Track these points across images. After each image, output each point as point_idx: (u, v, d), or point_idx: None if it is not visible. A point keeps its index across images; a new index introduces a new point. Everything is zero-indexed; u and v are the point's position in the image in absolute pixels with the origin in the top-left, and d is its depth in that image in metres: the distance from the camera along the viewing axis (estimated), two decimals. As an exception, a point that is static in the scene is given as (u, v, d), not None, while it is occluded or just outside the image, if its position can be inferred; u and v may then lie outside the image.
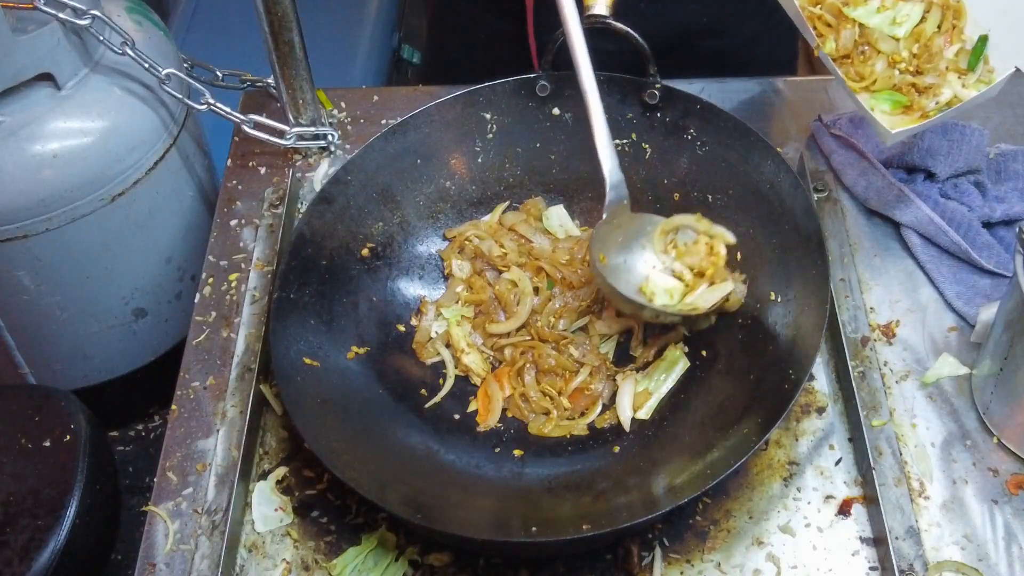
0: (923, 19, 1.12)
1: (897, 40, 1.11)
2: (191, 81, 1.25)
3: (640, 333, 1.12)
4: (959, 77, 1.09)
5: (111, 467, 1.17)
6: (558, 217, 1.21)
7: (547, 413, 1.08)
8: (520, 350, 1.11)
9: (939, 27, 1.11)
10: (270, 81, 1.34)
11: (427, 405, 1.08)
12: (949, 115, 1.08)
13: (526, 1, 1.36)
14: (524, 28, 1.38)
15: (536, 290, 1.15)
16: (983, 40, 1.09)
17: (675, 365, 1.08)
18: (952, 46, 1.11)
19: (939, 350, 1.11)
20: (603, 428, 1.07)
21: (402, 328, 1.14)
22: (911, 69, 1.10)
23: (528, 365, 1.11)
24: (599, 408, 1.08)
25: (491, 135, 1.21)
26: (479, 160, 1.21)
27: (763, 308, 1.07)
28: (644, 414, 1.06)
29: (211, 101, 1.25)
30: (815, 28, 1.13)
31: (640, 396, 1.07)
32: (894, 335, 1.12)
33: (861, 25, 1.11)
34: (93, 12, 1.14)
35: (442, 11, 1.55)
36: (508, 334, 1.13)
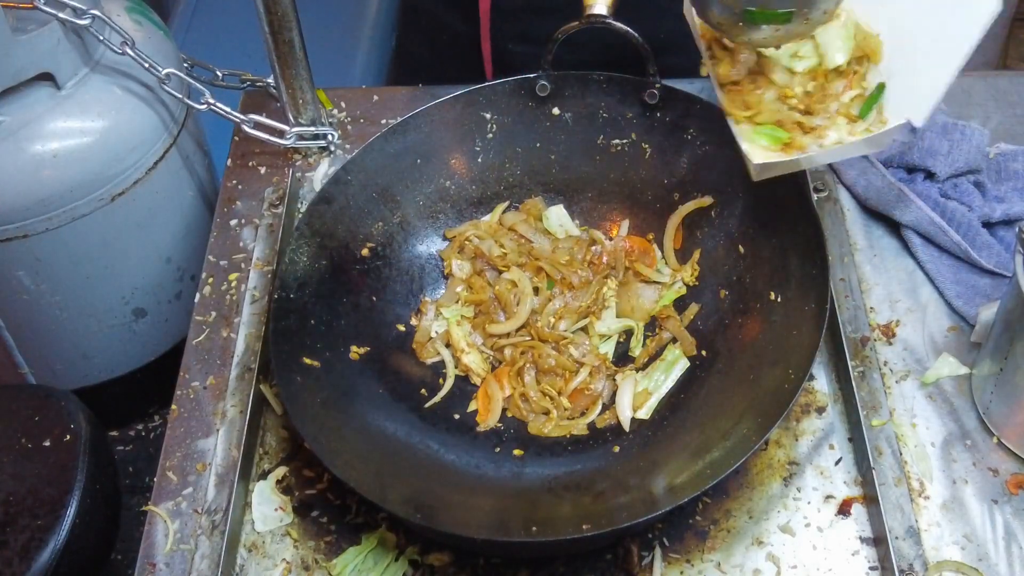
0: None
1: (793, 74, 1.02)
2: (191, 81, 1.25)
3: (640, 333, 1.12)
4: (848, 123, 1.00)
5: (111, 467, 1.17)
6: (558, 217, 1.21)
7: (547, 413, 1.08)
8: (520, 350, 1.11)
9: (841, 69, 1.03)
10: (270, 81, 1.34)
11: (427, 405, 1.08)
12: (821, 157, 1.00)
13: (480, 7, 1.36)
14: (479, 32, 1.38)
15: (536, 290, 1.15)
16: (880, 88, 1.00)
17: (675, 365, 1.08)
18: (850, 91, 1.02)
19: (939, 350, 1.11)
20: (603, 428, 1.07)
21: (402, 328, 1.14)
22: (800, 107, 1.02)
23: (528, 365, 1.11)
24: (599, 408, 1.08)
25: (491, 135, 1.21)
26: (479, 160, 1.21)
27: (763, 308, 1.07)
28: (644, 414, 1.06)
29: (211, 101, 1.25)
30: (710, 48, 1.06)
31: (640, 396, 1.07)
32: (894, 335, 1.12)
33: (759, 53, 1.02)
34: (93, 12, 1.14)
35: (409, 12, 1.55)
36: (508, 334, 1.13)
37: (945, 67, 0.95)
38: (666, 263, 1.17)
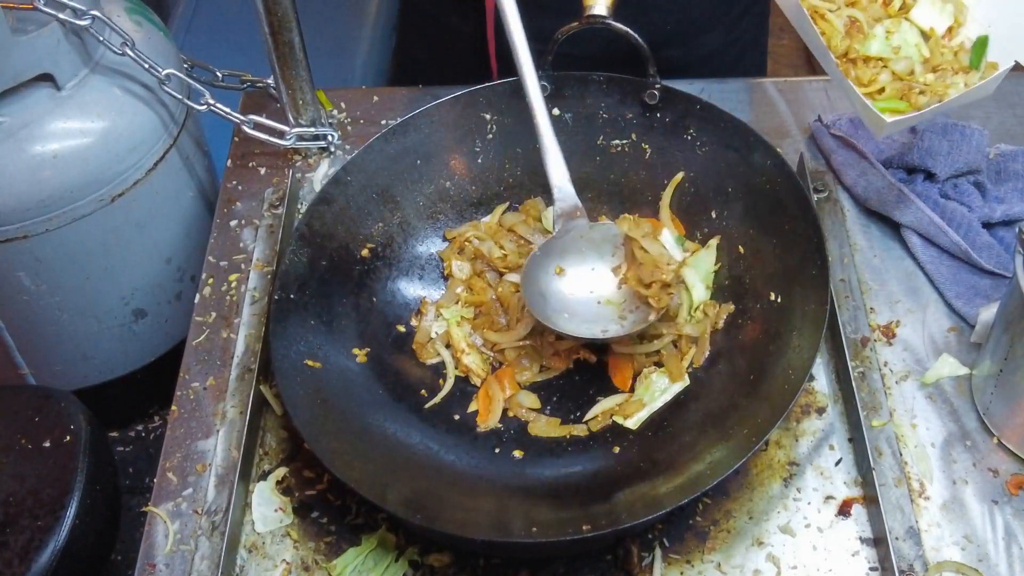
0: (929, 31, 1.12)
1: (909, 59, 1.10)
2: (191, 81, 1.25)
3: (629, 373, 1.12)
4: (964, 75, 1.09)
5: (111, 467, 1.17)
6: (558, 217, 1.21)
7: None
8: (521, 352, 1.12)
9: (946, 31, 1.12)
10: (270, 81, 1.34)
11: (427, 406, 1.08)
12: (943, 107, 1.07)
13: (486, 3, 1.36)
14: (486, 30, 1.38)
15: None
16: (983, 41, 1.09)
17: (676, 381, 1.08)
18: (953, 39, 1.11)
19: (939, 350, 1.11)
20: (603, 429, 1.06)
21: (402, 329, 1.14)
22: (921, 80, 1.10)
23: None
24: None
25: (491, 135, 1.21)
26: (479, 160, 1.21)
27: (763, 308, 1.07)
28: (632, 424, 1.05)
29: (211, 101, 1.25)
30: (815, 21, 1.11)
31: (633, 405, 1.06)
32: (894, 335, 1.12)
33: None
34: (93, 12, 1.14)
35: (408, 11, 1.55)
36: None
37: None
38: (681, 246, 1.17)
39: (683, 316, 1.11)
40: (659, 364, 1.09)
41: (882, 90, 1.09)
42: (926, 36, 1.11)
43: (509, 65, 1.40)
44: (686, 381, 1.07)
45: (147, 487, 1.21)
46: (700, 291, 1.12)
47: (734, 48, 1.43)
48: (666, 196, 1.18)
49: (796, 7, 1.10)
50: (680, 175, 1.17)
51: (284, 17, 1.20)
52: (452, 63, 1.47)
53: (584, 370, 1.12)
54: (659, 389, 1.07)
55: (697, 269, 1.13)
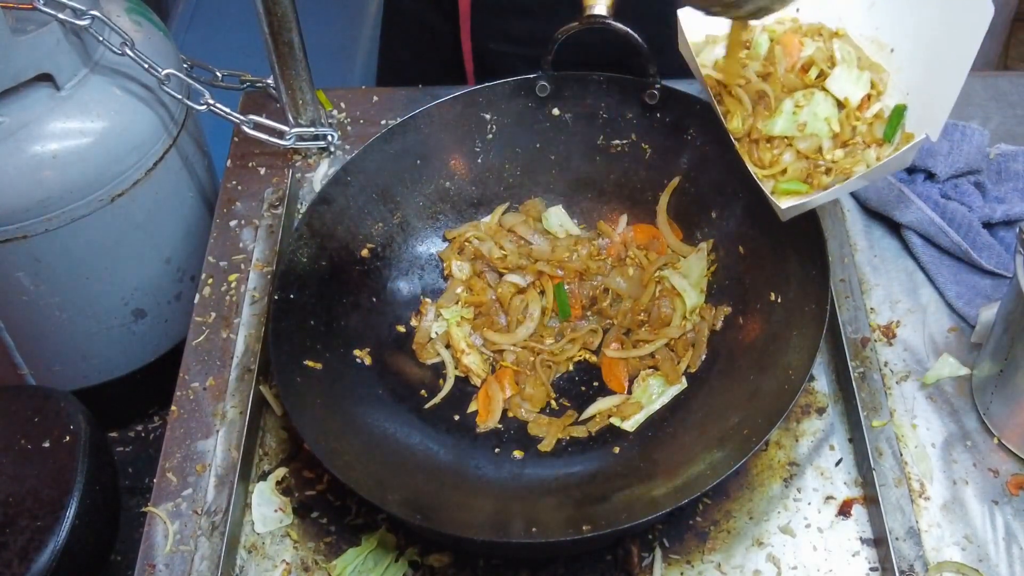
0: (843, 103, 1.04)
1: (815, 136, 1.02)
2: (191, 81, 1.25)
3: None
4: (876, 147, 1.01)
5: (111, 468, 1.17)
6: (558, 218, 1.21)
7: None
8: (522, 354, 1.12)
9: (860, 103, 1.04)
10: (270, 82, 1.34)
11: (427, 406, 1.08)
12: (847, 187, 1.00)
13: (460, 6, 1.35)
14: (460, 32, 1.38)
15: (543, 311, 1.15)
16: (901, 109, 1.01)
17: (674, 384, 1.08)
18: (871, 106, 1.03)
19: (939, 351, 1.10)
20: (603, 429, 1.06)
21: (402, 329, 1.14)
22: (828, 157, 1.01)
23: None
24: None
25: (491, 136, 1.21)
26: (479, 161, 1.21)
27: (763, 308, 1.07)
28: (630, 426, 1.05)
29: (211, 101, 1.25)
30: (719, 97, 1.05)
31: (630, 407, 1.06)
32: (894, 336, 1.12)
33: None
34: (93, 12, 1.14)
35: (392, 12, 1.55)
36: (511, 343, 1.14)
37: (952, 78, 0.97)
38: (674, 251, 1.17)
39: (676, 322, 1.11)
40: (655, 367, 1.09)
41: (784, 171, 1.02)
42: (842, 106, 1.03)
43: (484, 67, 1.40)
44: (683, 384, 1.07)
45: (147, 487, 1.21)
46: (692, 296, 1.11)
47: None
48: (662, 202, 1.18)
49: (701, 83, 1.06)
50: (676, 180, 1.17)
51: (284, 17, 1.20)
52: (434, 62, 1.47)
53: (584, 371, 1.12)
54: (656, 392, 1.07)
55: (687, 274, 1.13)
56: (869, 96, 1.04)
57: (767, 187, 1.01)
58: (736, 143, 1.04)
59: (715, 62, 1.08)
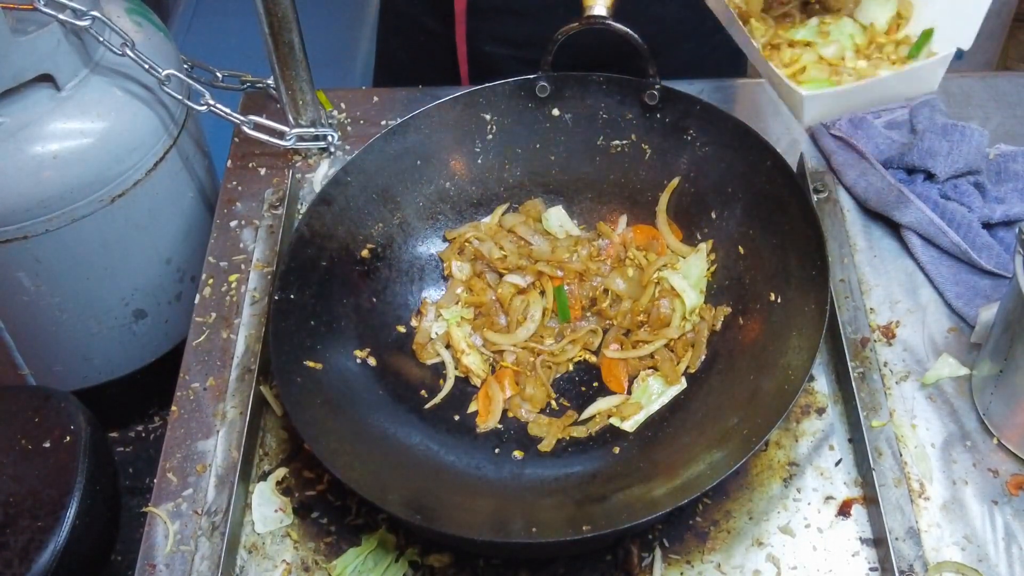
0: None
1: (838, 43, 1.03)
2: (191, 82, 1.25)
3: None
4: (901, 64, 1.01)
5: (111, 468, 1.17)
6: (558, 218, 1.21)
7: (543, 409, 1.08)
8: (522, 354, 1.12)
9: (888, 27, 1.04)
10: (270, 82, 1.34)
11: (427, 406, 1.08)
12: (871, 84, 0.96)
13: (456, 7, 1.35)
14: (455, 33, 1.38)
15: (544, 311, 1.15)
16: (927, 33, 1.01)
17: (673, 384, 1.08)
18: (898, 31, 1.03)
19: (939, 351, 1.11)
20: (602, 429, 1.07)
21: (402, 329, 1.14)
22: (851, 65, 1.01)
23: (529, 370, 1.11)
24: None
25: (491, 136, 1.21)
26: (479, 161, 1.21)
27: (763, 308, 1.07)
28: (630, 427, 1.05)
29: (211, 102, 1.25)
30: (743, 17, 1.04)
31: (630, 407, 1.06)
32: (894, 336, 1.12)
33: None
34: (93, 13, 1.14)
35: (388, 13, 1.55)
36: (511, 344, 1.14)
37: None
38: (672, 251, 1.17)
39: (676, 322, 1.11)
40: (655, 368, 1.09)
41: (803, 70, 1.00)
42: (862, 28, 1.04)
43: (479, 69, 1.40)
44: (682, 384, 1.07)
45: (147, 487, 1.22)
46: (692, 297, 1.11)
47: (710, 60, 1.43)
48: (662, 203, 1.18)
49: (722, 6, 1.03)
50: (676, 181, 1.18)
51: (284, 17, 1.20)
52: (429, 64, 1.47)
53: (584, 371, 1.12)
54: (656, 392, 1.07)
55: (687, 275, 1.13)
56: (897, 25, 1.04)
57: (785, 75, 0.97)
58: (759, 50, 1.00)
59: None
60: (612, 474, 1.01)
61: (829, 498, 1.01)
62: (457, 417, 1.08)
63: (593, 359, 1.12)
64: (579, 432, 1.06)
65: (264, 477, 1.05)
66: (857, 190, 1.23)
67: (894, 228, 1.21)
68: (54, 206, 1.17)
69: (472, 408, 1.10)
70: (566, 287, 1.15)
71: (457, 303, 1.16)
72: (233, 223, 1.26)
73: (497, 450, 1.05)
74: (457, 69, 1.42)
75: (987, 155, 1.23)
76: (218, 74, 1.36)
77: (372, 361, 1.09)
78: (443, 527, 0.91)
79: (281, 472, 1.05)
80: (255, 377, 1.08)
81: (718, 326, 1.10)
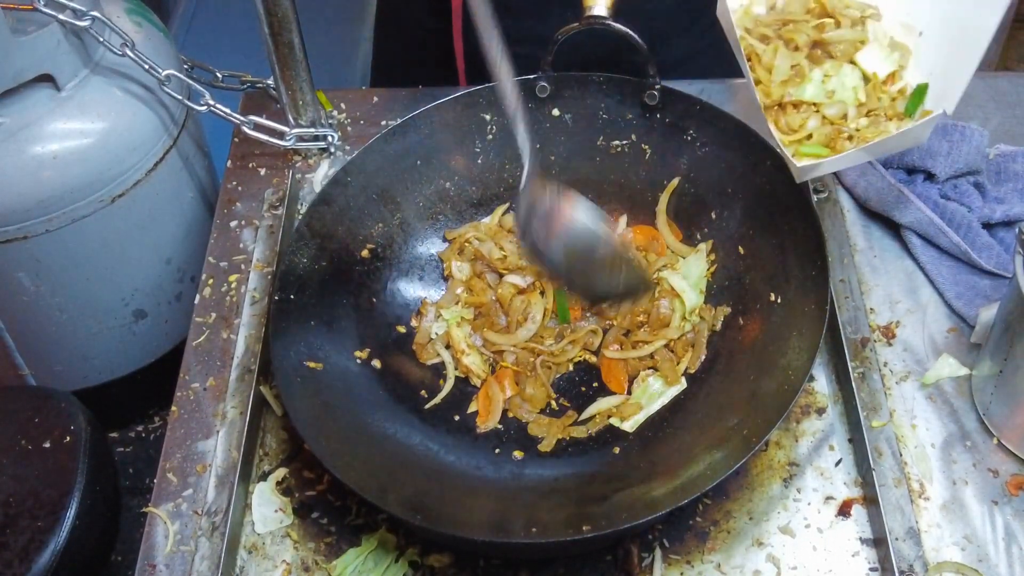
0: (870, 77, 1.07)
1: (842, 103, 1.06)
2: (191, 82, 1.25)
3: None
4: (897, 122, 1.04)
5: (111, 468, 1.17)
6: (558, 218, 1.21)
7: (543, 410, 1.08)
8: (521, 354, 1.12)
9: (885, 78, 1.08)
10: (270, 82, 1.34)
11: (427, 406, 1.08)
12: (863, 151, 1.01)
13: (452, 5, 1.35)
14: (452, 30, 1.38)
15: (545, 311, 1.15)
16: (922, 89, 1.05)
17: (673, 385, 1.08)
18: (895, 83, 1.07)
19: (939, 351, 1.11)
20: (603, 429, 1.07)
21: (402, 329, 1.14)
22: (852, 125, 1.05)
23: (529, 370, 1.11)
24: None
25: (491, 136, 1.21)
26: (479, 161, 1.21)
27: (763, 308, 1.07)
28: (630, 427, 1.05)
29: (211, 102, 1.25)
30: (751, 63, 1.08)
31: (630, 408, 1.06)
32: (894, 336, 1.12)
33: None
34: (93, 13, 1.14)
35: (385, 12, 1.55)
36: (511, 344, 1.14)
37: (969, 57, 1.00)
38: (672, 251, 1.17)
39: (675, 322, 1.11)
40: (655, 368, 1.09)
41: (809, 136, 1.04)
42: (867, 79, 1.07)
43: (476, 67, 1.40)
44: (682, 384, 1.07)
45: (147, 487, 1.21)
46: (691, 297, 1.11)
47: (705, 55, 1.43)
48: (662, 203, 1.18)
49: (736, 45, 1.07)
50: (676, 181, 1.18)
51: (284, 18, 1.20)
52: (427, 62, 1.47)
53: (584, 371, 1.12)
54: (656, 392, 1.07)
55: (686, 275, 1.13)
56: (894, 74, 1.07)
57: (789, 152, 1.03)
58: (764, 111, 1.05)
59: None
60: (612, 474, 1.01)
61: (829, 498, 1.01)
62: (457, 417, 1.08)
63: (593, 359, 1.12)
64: (579, 432, 1.06)
65: (264, 477, 1.05)
66: (857, 190, 1.23)
67: (894, 228, 1.21)
68: (54, 206, 1.17)
69: (472, 408, 1.10)
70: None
71: (457, 303, 1.16)
72: (233, 223, 1.26)
73: (497, 450, 1.05)
74: (454, 67, 1.41)
75: (987, 155, 1.23)
76: (218, 74, 1.36)
77: (372, 361, 1.09)
78: (443, 527, 0.91)
79: (281, 472, 1.05)
80: (255, 377, 1.08)
81: (718, 326, 1.10)
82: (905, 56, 1.08)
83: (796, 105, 1.05)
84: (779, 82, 1.06)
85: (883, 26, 1.09)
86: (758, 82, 1.06)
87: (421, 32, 1.46)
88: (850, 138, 1.03)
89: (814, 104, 1.05)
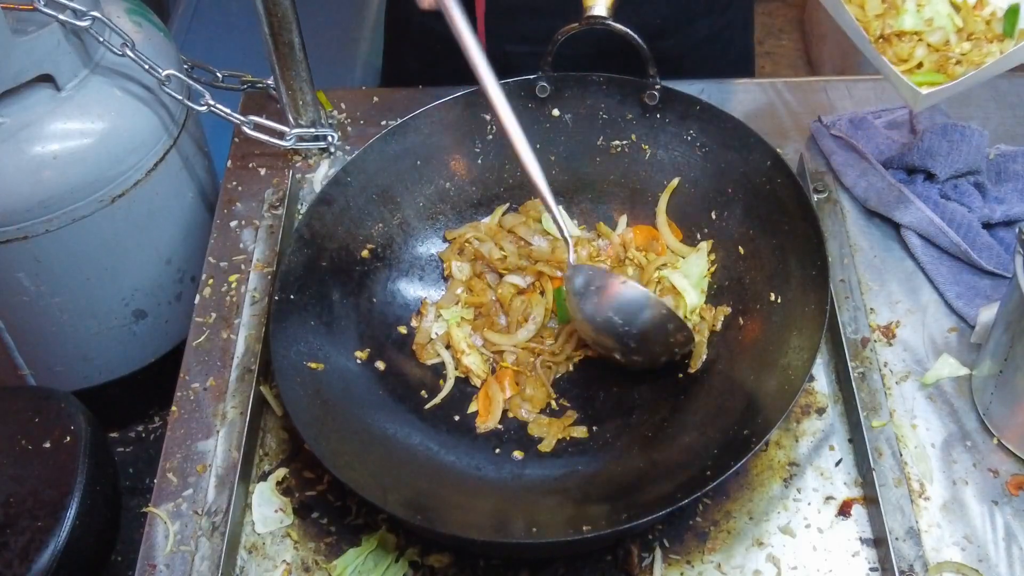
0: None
1: (943, 29, 1.08)
2: (191, 82, 1.25)
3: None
4: (999, 43, 1.07)
5: (111, 468, 1.17)
6: (558, 218, 1.21)
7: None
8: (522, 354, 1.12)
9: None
10: (270, 82, 1.34)
11: (427, 406, 1.08)
12: (981, 74, 1.03)
13: (476, 9, 1.35)
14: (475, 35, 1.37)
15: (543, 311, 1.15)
16: (1015, 9, 1.06)
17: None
18: (984, 8, 1.09)
19: (939, 351, 1.11)
20: (602, 430, 1.07)
21: (402, 329, 1.14)
22: (956, 50, 1.08)
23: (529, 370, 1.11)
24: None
25: (491, 136, 1.21)
26: (479, 161, 1.21)
27: (763, 308, 1.07)
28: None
29: (211, 102, 1.25)
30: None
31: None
32: (894, 336, 1.12)
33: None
34: (93, 13, 1.14)
35: (398, 24, 1.55)
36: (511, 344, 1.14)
37: None
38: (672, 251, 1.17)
39: None
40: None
41: (920, 65, 1.07)
42: (956, 7, 1.10)
43: (500, 70, 1.40)
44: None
45: (147, 488, 1.21)
46: (693, 296, 1.11)
47: (725, 33, 1.43)
48: (662, 203, 1.18)
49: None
50: (676, 181, 1.18)
51: (284, 17, 1.20)
52: (444, 71, 1.46)
53: (585, 371, 1.12)
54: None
55: (687, 274, 1.13)
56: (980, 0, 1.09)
57: (903, 76, 1.04)
58: (872, 43, 1.06)
59: None
60: (612, 474, 1.01)
61: (829, 498, 1.01)
62: (457, 417, 1.08)
63: (594, 358, 1.12)
64: (579, 432, 1.06)
65: (264, 477, 1.05)
66: (857, 190, 1.23)
67: (894, 228, 1.21)
68: (54, 206, 1.17)
69: (472, 408, 1.10)
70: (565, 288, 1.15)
71: (457, 303, 1.16)
72: (233, 223, 1.26)
73: (497, 450, 1.05)
74: (472, 75, 1.41)
75: (987, 155, 1.23)
76: (218, 74, 1.36)
77: (372, 361, 1.09)
78: (443, 527, 0.92)
79: (281, 472, 1.05)
80: (255, 377, 1.08)
81: (718, 326, 1.10)
82: None
83: (900, 35, 1.07)
84: (874, 16, 1.08)
85: None
86: (859, 20, 1.08)
87: (439, 44, 1.45)
88: (958, 63, 1.05)
89: (916, 33, 1.07)
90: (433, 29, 1.45)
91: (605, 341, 1.06)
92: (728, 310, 1.10)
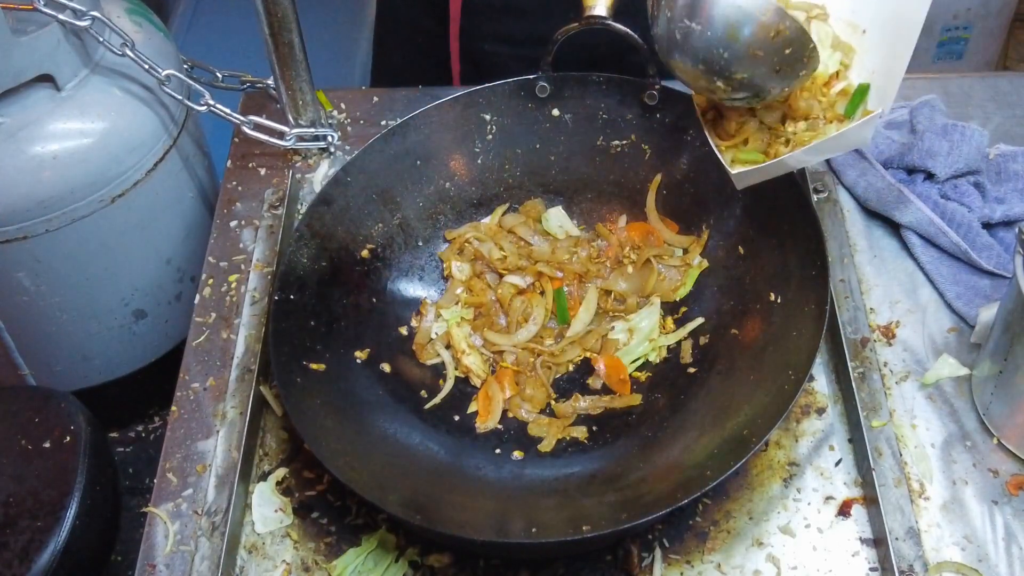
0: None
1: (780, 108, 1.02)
2: (191, 82, 1.25)
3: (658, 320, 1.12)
4: (838, 124, 1.00)
5: (111, 468, 1.17)
6: (557, 218, 1.21)
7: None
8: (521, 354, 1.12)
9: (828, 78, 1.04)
10: (270, 82, 1.34)
11: (427, 406, 1.08)
12: (796, 156, 0.99)
13: (451, 6, 1.35)
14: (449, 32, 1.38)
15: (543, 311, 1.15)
16: (863, 89, 1.00)
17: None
18: (838, 83, 1.03)
19: (939, 351, 1.11)
20: (602, 429, 1.07)
21: (402, 329, 1.14)
22: (790, 129, 1.02)
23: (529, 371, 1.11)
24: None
25: (491, 136, 1.21)
26: (479, 161, 1.21)
27: (763, 308, 1.07)
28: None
29: (211, 102, 1.25)
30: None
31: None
32: (894, 336, 1.12)
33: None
34: (93, 13, 1.14)
35: (385, 15, 1.55)
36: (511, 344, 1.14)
37: (903, 53, 0.97)
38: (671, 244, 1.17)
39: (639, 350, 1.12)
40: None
41: (746, 141, 1.02)
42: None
43: (475, 68, 1.40)
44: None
45: (147, 487, 1.22)
46: (636, 349, 1.12)
47: None
48: (650, 202, 1.18)
49: None
50: (658, 177, 1.17)
51: (284, 17, 1.20)
52: (427, 65, 1.47)
53: (585, 371, 1.12)
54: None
55: (635, 328, 1.13)
56: (837, 74, 1.03)
57: (726, 158, 1.01)
58: (701, 117, 1.03)
59: None
60: (612, 474, 1.01)
61: (829, 498, 1.01)
62: (457, 417, 1.09)
63: (594, 358, 1.12)
64: (579, 432, 1.06)
65: (264, 477, 1.05)
66: (857, 190, 1.23)
67: (894, 228, 1.21)
68: (54, 206, 1.17)
69: (472, 408, 1.10)
70: (565, 288, 1.15)
71: (457, 303, 1.16)
72: (233, 223, 1.26)
73: (497, 450, 1.05)
74: (450, 69, 1.42)
75: (987, 155, 1.23)
76: (218, 74, 1.36)
77: (372, 362, 1.09)
78: (443, 527, 0.91)
79: (281, 472, 1.05)
80: (255, 377, 1.08)
81: (687, 358, 1.10)
82: (849, 55, 1.04)
83: (733, 110, 1.02)
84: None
85: (827, 26, 1.05)
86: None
87: (421, 36, 1.46)
88: (787, 142, 1.01)
89: (750, 109, 1.02)
90: (419, 23, 1.46)
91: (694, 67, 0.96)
92: (691, 342, 1.11)
